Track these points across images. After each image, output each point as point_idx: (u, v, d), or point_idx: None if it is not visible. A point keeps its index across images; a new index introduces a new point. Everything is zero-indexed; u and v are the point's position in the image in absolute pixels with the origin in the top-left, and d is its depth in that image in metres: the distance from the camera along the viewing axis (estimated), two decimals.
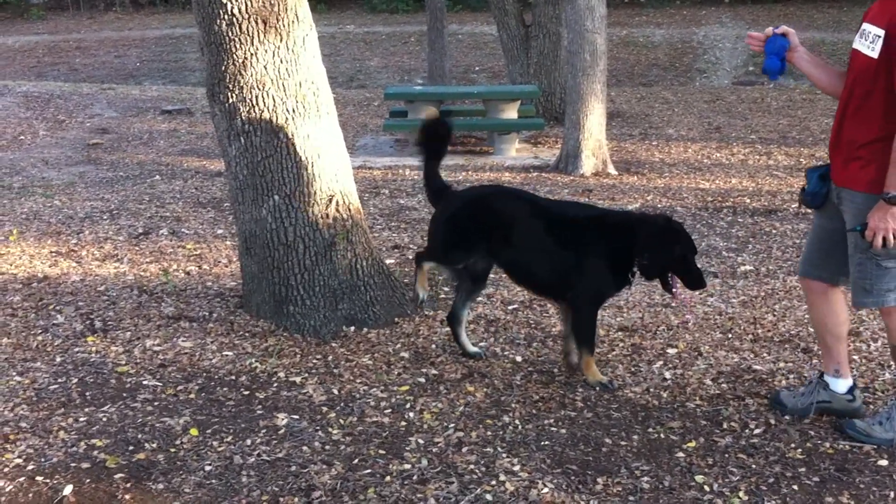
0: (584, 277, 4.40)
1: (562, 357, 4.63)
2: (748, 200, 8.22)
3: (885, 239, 3.56)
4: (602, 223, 4.52)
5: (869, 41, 3.61)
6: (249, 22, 4.82)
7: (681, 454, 3.81)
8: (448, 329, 4.89)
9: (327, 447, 3.87)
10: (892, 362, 4.44)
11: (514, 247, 4.54)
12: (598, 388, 4.38)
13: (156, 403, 4.27)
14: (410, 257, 6.46)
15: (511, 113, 10.99)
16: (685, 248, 4.34)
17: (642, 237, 4.32)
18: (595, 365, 4.47)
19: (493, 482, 3.60)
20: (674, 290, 4.39)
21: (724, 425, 4.05)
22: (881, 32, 3.54)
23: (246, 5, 4.80)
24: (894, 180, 3.49)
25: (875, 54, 3.57)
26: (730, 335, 5.09)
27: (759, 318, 5.33)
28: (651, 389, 4.41)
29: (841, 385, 4.08)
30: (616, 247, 4.38)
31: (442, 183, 4.81)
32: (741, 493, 3.52)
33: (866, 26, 3.66)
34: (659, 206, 8.04)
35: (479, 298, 5.52)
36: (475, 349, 4.82)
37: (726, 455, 3.81)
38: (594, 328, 4.50)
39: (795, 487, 3.58)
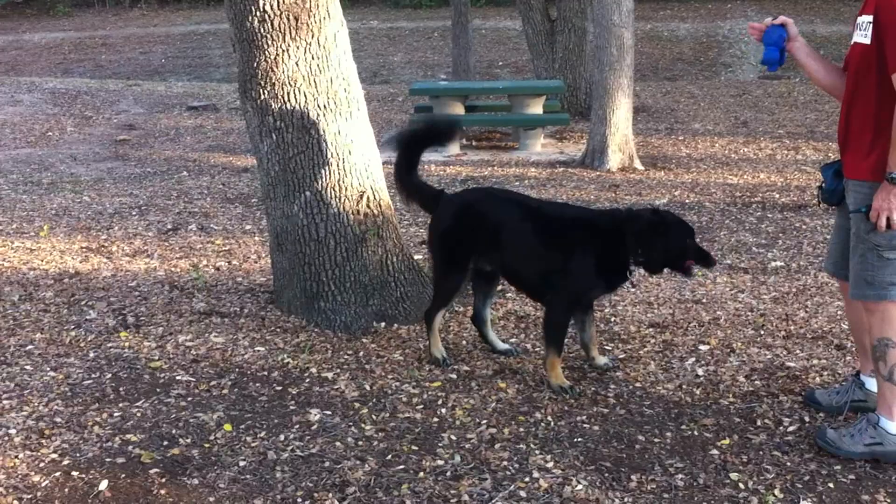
0: (565, 279, 4.37)
1: (588, 363, 4.61)
2: (777, 195, 8.17)
3: (889, 220, 3.51)
4: (588, 224, 4.47)
5: (863, 30, 3.60)
6: (281, 19, 4.83)
7: (715, 451, 3.79)
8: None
9: (360, 443, 3.88)
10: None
11: (504, 250, 4.51)
12: (557, 393, 4.30)
13: (189, 399, 4.29)
14: None
15: (536, 108, 10.97)
16: (678, 235, 4.27)
17: (631, 235, 4.26)
18: (559, 367, 4.39)
19: (527, 479, 3.59)
20: (688, 273, 4.33)
21: (758, 422, 4.03)
22: (871, 18, 3.53)
23: (278, 2, 4.81)
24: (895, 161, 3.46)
25: (869, 41, 3.56)
26: (762, 332, 5.06)
27: (792, 315, 5.30)
28: (684, 386, 4.39)
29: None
30: (603, 247, 4.33)
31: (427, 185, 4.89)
32: (776, 491, 3.50)
33: (860, 19, 3.65)
34: (686, 201, 8.00)
35: (509, 294, 5.53)
36: (505, 346, 4.81)
37: (761, 452, 3.78)
38: (565, 330, 4.45)
39: (831, 485, 3.55)
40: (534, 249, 4.47)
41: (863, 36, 3.60)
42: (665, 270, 4.44)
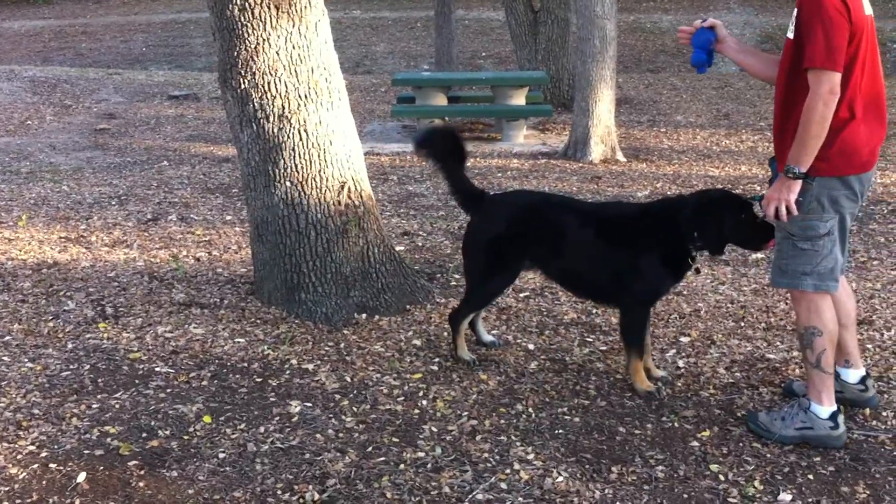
0: (634, 278, 4.24)
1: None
2: (758, 188, 8.19)
3: (777, 211, 3.57)
4: (644, 218, 4.34)
5: (792, 25, 3.60)
6: (262, 7, 4.79)
7: (695, 443, 3.80)
8: None
9: (341, 435, 3.87)
10: None
11: (563, 257, 4.39)
12: (645, 398, 4.19)
13: (168, 390, 4.26)
14: (420, 244, 6.45)
15: (519, 99, 10.96)
16: (732, 211, 4.07)
17: (684, 220, 4.11)
18: (643, 372, 4.28)
19: (508, 471, 3.59)
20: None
21: (739, 414, 4.04)
22: (795, 13, 3.55)
23: None
24: (795, 155, 3.49)
25: (792, 35, 3.58)
26: (742, 323, 5.07)
27: (772, 307, 5.32)
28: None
29: (852, 375, 4.06)
30: (663, 238, 4.19)
31: (475, 187, 4.62)
32: (756, 483, 3.51)
33: (794, 13, 3.64)
34: (668, 192, 8.01)
35: None
36: (490, 338, 4.80)
37: (741, 444, 3.79)
38: (643, 331, 4.30)
39: (811, 477, 3.56)
40: (598, 254, 4.33)
41: (790, 31, 3.60)
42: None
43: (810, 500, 3.41)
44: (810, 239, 3.64)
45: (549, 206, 4.52)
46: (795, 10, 3.57)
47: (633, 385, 4.25)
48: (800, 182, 3.53)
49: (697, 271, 4.34)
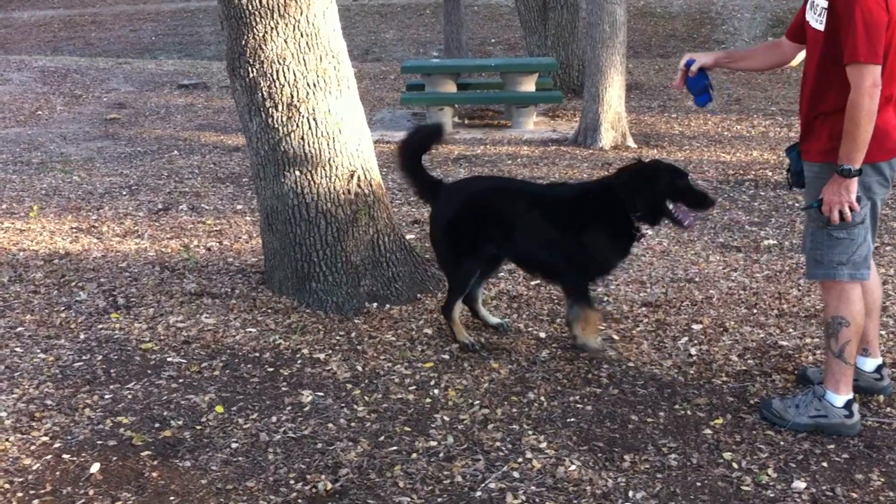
0: (579, 255, 4.37)
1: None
2: (770, 173, 8.15)
3: (841, 213, 3.53)
4: (586, 195, 4.50)
5: (817, 14, 3.57)
6: None
7: (708, 431, 3.79)
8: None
9: (353, 424, 3.87)
10: None
11: (516, 239, 4.51)
12: (590, 353, 4.43)
13: (181, 380, 4.27)
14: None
15: (529, 86, 10.92)
16: (667, 178, 4.21)
17: (622, 190, 4.25)
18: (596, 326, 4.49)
19: (520, 459, 3.58)
20: (685, 223, 4.27)
21: (752, 402, 4.02)
22: (826, 4, 3.49)
23: None
24: (847, 153, 3.44)
25: (821, 27, 3.53)
26: (755, 310, 5.05)
27: (784, 293, 5.29)
28: (677, 365, 4.38)
29: (868, 363, 4.04)
30: (606, 213, 4.33)
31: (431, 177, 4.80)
32: (770, 471, 3.50)
33: (816, 2, 3.59)
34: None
35: (501, 274, 5.51)
36: (497, 320, 4.82)
37: (754, 432, 3.78)
38: (588, 293, 4.50)
39: (825, 464, 3.55)
40: (546, 234, 4.44)
41: (817, 21, 3.56)
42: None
43: (824, 487, 3.40)
44: (846, 227, 3.60)
45: (499, 190, 4.70)
46: (822, 1, 3.52)
47: (584, 342, 4.44)
48: (856, 180, 3.48)
49: (641, 237, 4.46)
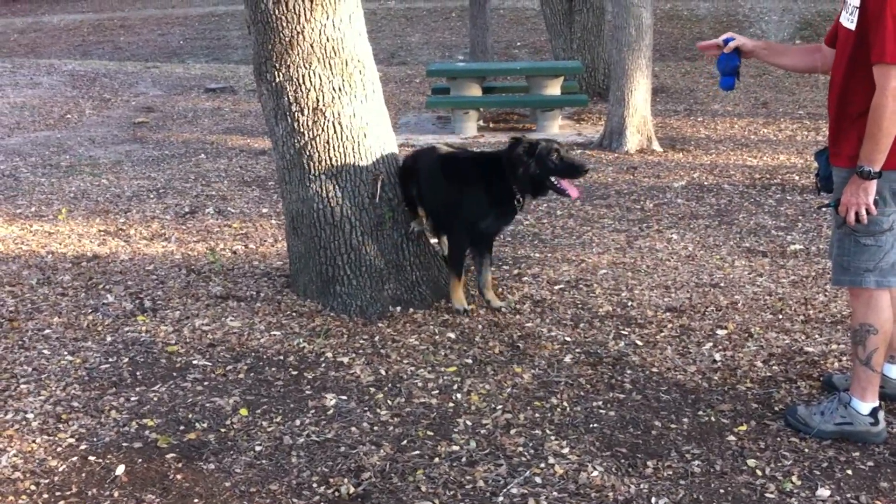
0: (460, 211, 4.98)
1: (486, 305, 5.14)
2: (797, 177, 8.09)
3: (857, 214, 3.49)
4: (477, 162, 5.13)
5: (849, 13, 3.51)
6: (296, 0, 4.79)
7: (732, 438, 3.77)
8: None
9: (376, 428, 3.88)
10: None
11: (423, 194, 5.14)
12: (456, 313, 5.01)
13: (206, 383, 4.30)
14: None
15: (554, 89, 10.90)
16: (543, 153, 4.74)
17: (506, 162, 4.83)
18: (461, 291, 5.09)
19: (542, 465, 3.58)
20: (573, 195, 4.84)
21: (776, 408, 3.99)
22: (858, 3, 3.44)
23: None
24: (868, 154, 3.40)
25: (853, 26, 3.47)
26: (780, 316, 5.02)
27: (811, 299, 5.25)
28: (701, 371, 4.36)
29: (895, 371, 4.00)
30: (489, 180, 4.91)
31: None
32: (794, 478, 3.47)
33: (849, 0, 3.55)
34: (705, 183, 7.95)
35: (525, 278, 5.51)
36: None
37: (778, 439, 3.75)
38: (462, 256, 5.09)
39: (849, 472, 3.52)
40: (440, 190, 5.04)
41: (849, 21, 3.51)
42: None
43: (849, 495, 3.37)
44: (873, 234, 3.56)
45: (426, 154, 5.27)
46: (852, 1, 3.48)
47: (451, 303, 5.08)
48: (875, 182, 3.44)
49: (522, 207, 5.02)
